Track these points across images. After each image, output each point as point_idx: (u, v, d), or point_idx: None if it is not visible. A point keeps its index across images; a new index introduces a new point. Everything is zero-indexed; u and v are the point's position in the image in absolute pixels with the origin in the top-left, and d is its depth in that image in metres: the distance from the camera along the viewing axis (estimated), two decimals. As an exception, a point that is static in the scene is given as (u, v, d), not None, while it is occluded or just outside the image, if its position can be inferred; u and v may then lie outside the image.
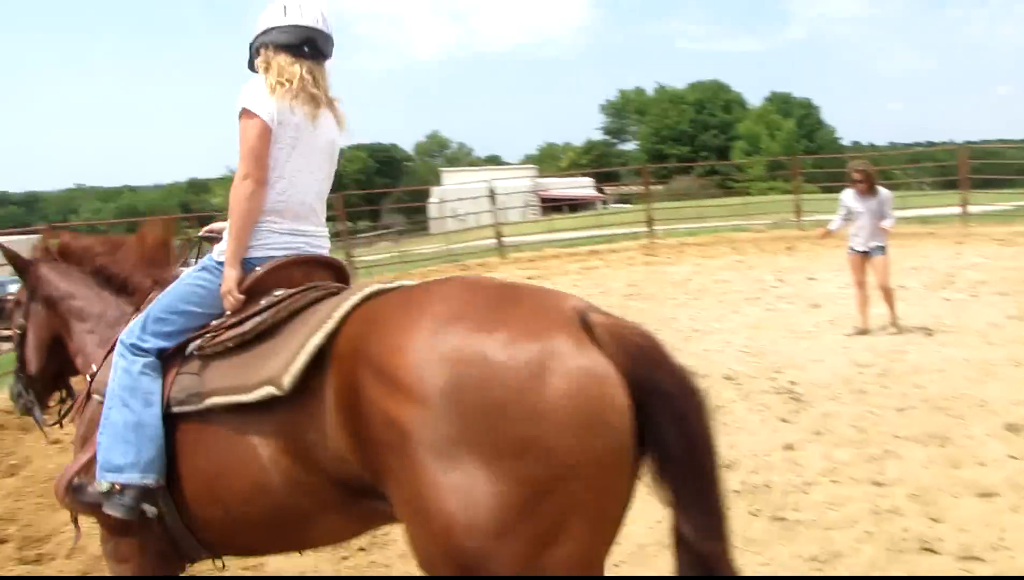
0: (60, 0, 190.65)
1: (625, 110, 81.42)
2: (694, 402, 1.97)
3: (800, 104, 67.98)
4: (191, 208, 62.65)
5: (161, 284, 2.85)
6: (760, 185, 39.88)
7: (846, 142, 73.00)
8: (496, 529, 1.77)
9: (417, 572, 1.98)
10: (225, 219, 2.72)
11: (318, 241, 2.79)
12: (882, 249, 8.36)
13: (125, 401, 2.46)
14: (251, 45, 2.78)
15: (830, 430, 5.52)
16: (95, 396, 2.69)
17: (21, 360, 3.22)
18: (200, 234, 7.81)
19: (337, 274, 2.81)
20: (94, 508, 2.49)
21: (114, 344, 2.67)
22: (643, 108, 77.30)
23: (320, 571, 4.10)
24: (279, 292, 2.49)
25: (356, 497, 2.18)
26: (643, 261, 15.35)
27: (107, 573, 2.75)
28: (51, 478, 5.03)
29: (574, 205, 40.32)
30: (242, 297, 2.53)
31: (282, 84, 2.63)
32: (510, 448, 1.78)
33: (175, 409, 2.44)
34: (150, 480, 2.41)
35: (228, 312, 2.54)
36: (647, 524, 4.22)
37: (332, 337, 2.16)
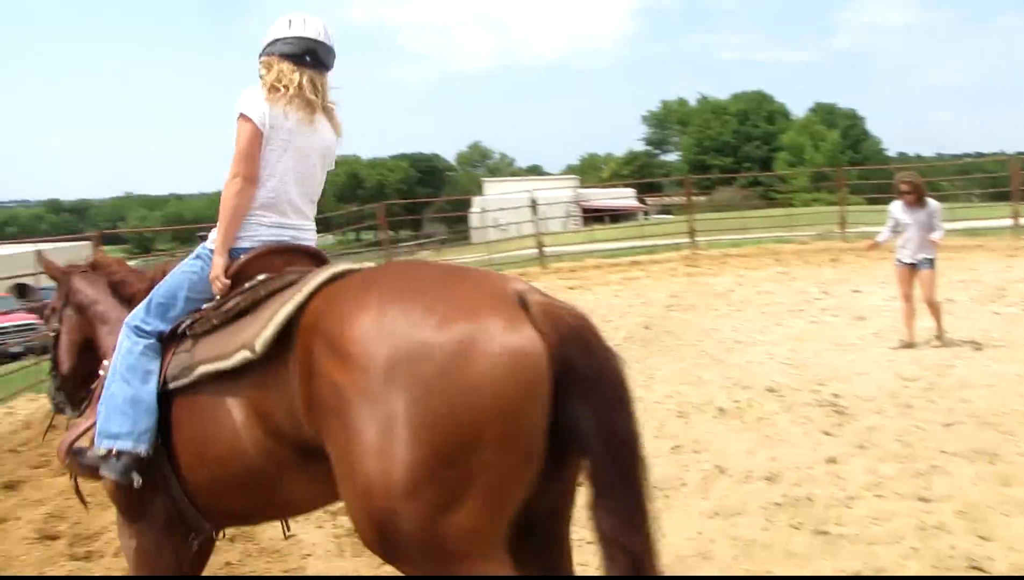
0: (112, 15, 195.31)
1: (667, 121, 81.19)
2: (617, 384, 2.08)
3: (845, 114, 67.25)
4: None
5: None
6: (804, 197, 39.49)
7: (892, 153, 72.14)
8: (405, 490, 1.92)
9: None
10: None
11: (303, 234, 3.02)
12: (930, 262, 8.23)
13: (125, 377, 2.70)
14: (259, 56, 3.01)
15: (875, 444, 5.43)
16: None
17: (55, 361, 3.46)
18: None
19: (318, 262, 2.95)
20: (91, 471, 2.75)
21: None
22: (685, 119, 77.02)
23: (359, 571, 4.14)
24: (261, 277, 2.72)
25: (313, 460, 2.31)
26: (685, 272, 15.23)
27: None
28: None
29: (615, 216, 40.28)
30: (228, 282, 2.78)
31: (277, 88, 2.87)
32: (430, 418, 1.92)
33: (171, 385, 2.68)
34: (142, 449, 2.64)
35: (217, 296, 2.78)
36: (687, 535, 4.22)
37: (300, 309, 2.36)
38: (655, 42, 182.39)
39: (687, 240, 18.20)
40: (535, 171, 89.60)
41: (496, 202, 28.83)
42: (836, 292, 11.78)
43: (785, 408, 6.38)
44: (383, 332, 2.03)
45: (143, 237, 63.09)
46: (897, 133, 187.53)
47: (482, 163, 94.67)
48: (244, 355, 2.43)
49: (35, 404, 8.66)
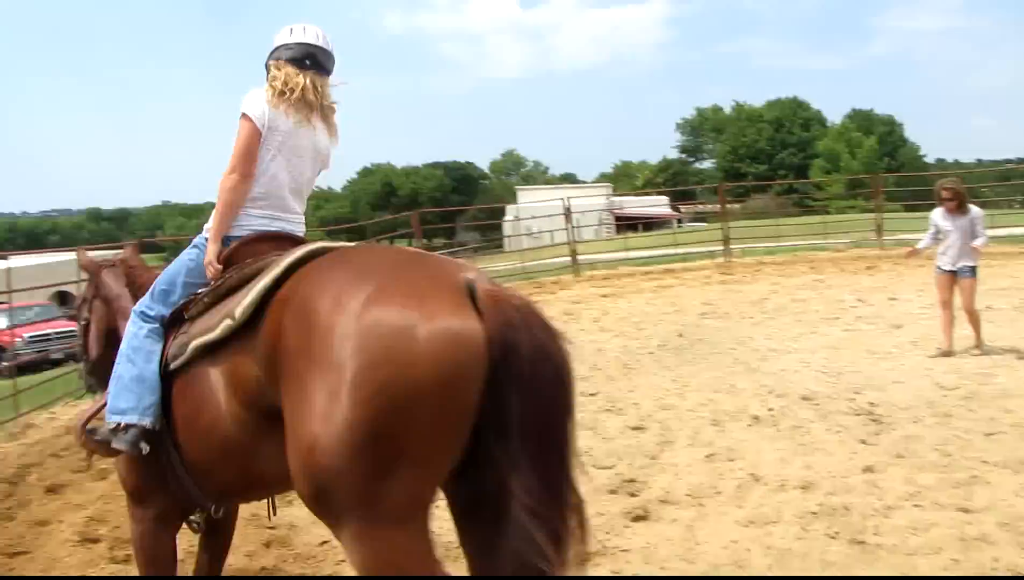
0: (157, 27, 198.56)
1: (701, 128, 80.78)
2: (560, 366, 2.20)
3: (882, 121, 66.46)
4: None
5: None
6: (840, 204, 39.01)
7: (930, 160, 71.01)
8: (346, 453, 2.07)
9: None
10: None
11: (293, 226, 3.22)
12: (972, 270, 8.12)
13: (131, 358, 2.96)
14: (266, 61, 3.26)
15: (913, 453, 5.34)
16: None
17: (85, 347, 3.77)
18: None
19: None
20: (104, 446, 2.98)
21: None
22: (720, 126, 76.60)
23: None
24: (250, 260, 2.90)
25: (279, 427, 2.38)
26: (719, 280, 15.14)
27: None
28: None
29: (649, 224, 40.12)
30: (220, 267, 3.00)
31: (283, 93, 3.10)
32: (374, 389, 2.07)
33: (172, 365, 2.88)
34: (147, 421, 2.87)
35: (211, 280, 3.00)
36: (721, 544, 4.19)
37: (277, 282, 2.53)
38: (689, 50, 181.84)
39: (721, 248, 18.09)
40: (569, 179, 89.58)
41: (530, 210, 28.79)
42: (872, 300, 11.64)
43: (820, 416, 6.31)
44: (340, 308, 2.19)
45: (180, 245, 63.65)
46: (936, 139, 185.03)
47: (516, 171, 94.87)
48: (227, 324, 2.61)
49: (76, 410, 8.79)
